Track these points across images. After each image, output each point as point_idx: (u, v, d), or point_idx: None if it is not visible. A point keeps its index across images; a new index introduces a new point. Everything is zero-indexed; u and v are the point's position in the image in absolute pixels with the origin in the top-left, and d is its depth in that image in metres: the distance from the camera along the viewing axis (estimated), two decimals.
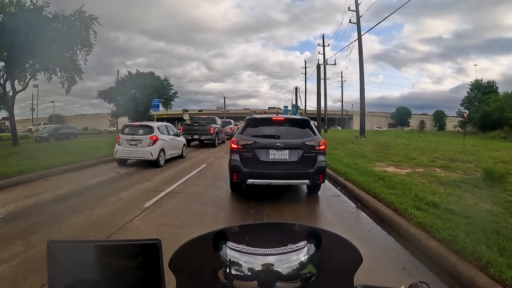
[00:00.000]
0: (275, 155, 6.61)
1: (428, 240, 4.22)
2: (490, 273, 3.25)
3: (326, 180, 7.56)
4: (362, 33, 30.34)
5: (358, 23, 30.11)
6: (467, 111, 43.23)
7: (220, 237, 0.81)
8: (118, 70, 53.57)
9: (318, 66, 33.84)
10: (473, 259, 3.55)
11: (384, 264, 3.89)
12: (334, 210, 6.55)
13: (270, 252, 0.75)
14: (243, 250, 0.76)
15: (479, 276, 3.21)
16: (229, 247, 0.77)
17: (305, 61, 59.33)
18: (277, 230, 0.88)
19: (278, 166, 6.62)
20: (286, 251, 0.76)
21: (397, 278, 3.60)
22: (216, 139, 21.76)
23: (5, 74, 19.35)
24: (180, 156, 14.60)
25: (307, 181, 6.70)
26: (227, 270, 0.75)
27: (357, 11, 30.20)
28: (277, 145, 6.59)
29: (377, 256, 4.06)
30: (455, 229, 4.33)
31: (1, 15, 17.94)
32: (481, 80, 58.45)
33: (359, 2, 30.26)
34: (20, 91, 20.30)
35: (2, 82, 19.40)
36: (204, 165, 12.48)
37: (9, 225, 5.17)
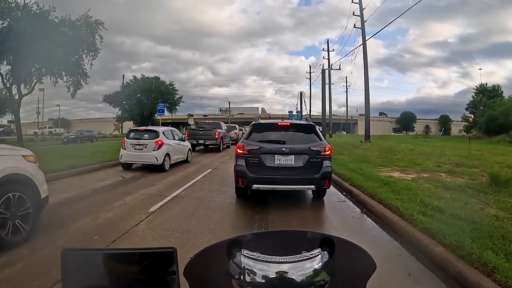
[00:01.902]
0: (280, 160, 6.62)
1: (434, 246, 4.20)
2: (496, 279, 3.23)
3: (331, 186, 7.54)
4: (367, 37, 30.42)
5: (362, 28, 30.17)
6: (472, 116, 43.07)
7: (234, 245, 0.82)
8: (123, 75, 54.19)
9: (323, 71, 33.90)
10: (479, 265, 3.54)
11: (390, 270, 3.87)
12: (339, 215, 6.53)
13: (284, 260, 0.76)
14: (258, 258, 0.76)
15: (485, 282, 3.19)
16: (243, 255, 0.78)
17: (310, 66, 59.39)
18: (290, 238, 0.89)
19: (284, 172, 6.61)
20: (300, 259, 0.76)
21: (403, 284, 3.60)
22: (221, 144, 21.80)
23: (11, 78, 19.53)
24: (185, 161, 14.64)
25: (313, 186, 6.69)
26: (241, 277, 0.75)
27: (361, 16, 30.28)
28: (283, 151, 6.60)
29: (383, 262, 4.02)
30: (461, 235, 4.31)
31: (8, 19, 18.13)
32: (486, 84, 58.33)
33: (363, 7, 30.36)
34: (26, 94, 20.47)
35: (8, 85, 19.57)
36: (209, 170, 12.50)
37: None
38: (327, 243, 0.82)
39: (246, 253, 0.78)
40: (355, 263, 0.84)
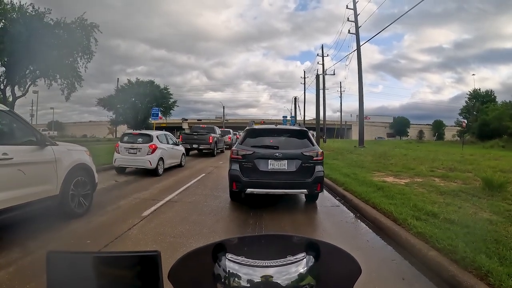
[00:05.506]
0: (274, 165, 6.67)
1: (427, 250, 4.20)
2: (490, 282, 3.23)
3: (325, 190, 7.56)
4: (361, 43, 30.62)
5: (357, 34, 30.35)
6: (465, 121, 43.41)
7: (219, 249, 0.81)
8: (118, 78, 54.00)
9: (317, 76, 33.97)
10: (473, 269, 3.53)
11: (383, 275, 3.86)
12: (333, 220, 6.52)
13: (269, 264, 0.75)
14: (242, 262, 0.76)
15: (479, 286, 3.19)
16: (228, 259, 0.77)
17: (304, 71, 59.48)
18: (276, 242, 0.87)
19: (277, 176, 6.67)
20: (285, 263, 0.75)
21: None
22: (215, 149, 21.77)
23: (5, 80, 19.40)
24: (179, 165, 14.60)
25: (305, 190, 6.74)
26: (226, 282, 0.74)
27: (356, 21, 30.47)
28: (276, 155, 6.66)
29: (376, 267, 4.04)
30: (454, 239, 4.31)
31: (3, 20, 18.01)
32: (479, 89, 59.04)
33: (358, 13, 30.57)
34: (20, 97, 20.34)
35: (2, 87, 19.43)
36: (203, 174, 12.47)
37: (7, 232, 5.11)
38: (313, 247, 0.81)
39: (231, 257, 0.78)
40: (341, 267, 0.83)
